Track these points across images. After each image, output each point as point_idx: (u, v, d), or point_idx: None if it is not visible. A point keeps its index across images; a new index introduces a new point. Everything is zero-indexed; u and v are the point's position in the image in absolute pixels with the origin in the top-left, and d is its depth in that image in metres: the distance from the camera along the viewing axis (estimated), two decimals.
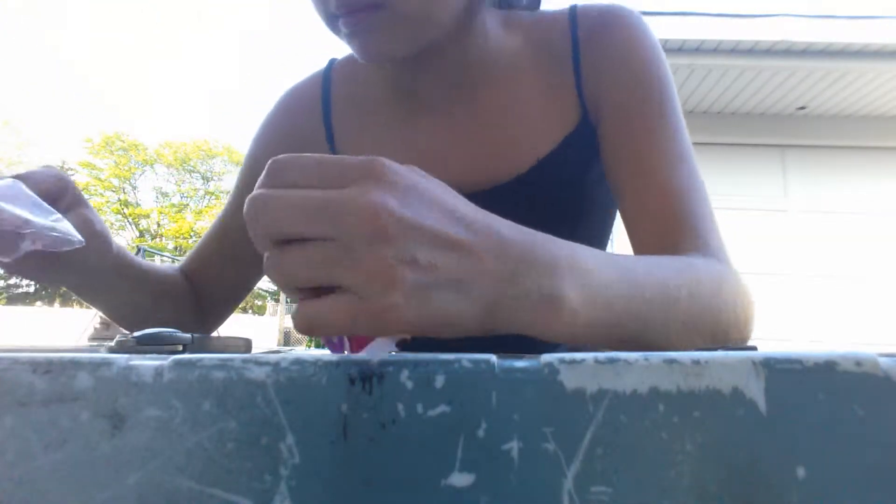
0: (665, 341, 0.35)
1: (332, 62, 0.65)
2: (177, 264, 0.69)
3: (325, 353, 0.25)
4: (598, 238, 0.64)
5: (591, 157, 0.56)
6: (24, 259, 0.43)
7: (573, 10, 0.56)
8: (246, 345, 0.39)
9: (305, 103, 0.64)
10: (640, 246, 0.49)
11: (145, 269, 0.59)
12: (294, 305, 0.29)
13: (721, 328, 0.38)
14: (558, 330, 0.28)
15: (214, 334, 0.55)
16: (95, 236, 0.48)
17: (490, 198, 0.45)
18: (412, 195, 0.24)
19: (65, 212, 0.45)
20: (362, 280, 0.24)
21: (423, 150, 0.58)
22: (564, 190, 0.57)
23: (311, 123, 0.63)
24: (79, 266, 0.49)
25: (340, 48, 0.52)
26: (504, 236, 0.27)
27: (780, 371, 0.24)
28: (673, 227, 0.46)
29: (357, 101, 0.61)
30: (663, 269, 0.36)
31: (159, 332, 0.32)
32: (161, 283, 0.62)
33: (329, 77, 0.64)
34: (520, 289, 0.27)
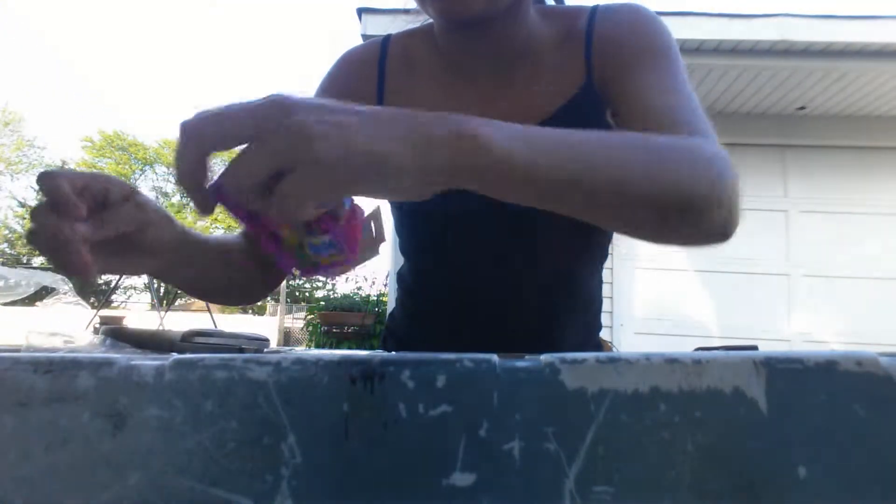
0: (616, 186, 0.38)
1: (388, 36, 0.73)
2: (237, 231, 0.70)
3: (326, 353, 0.25)
4: None
5: (595, 117, 0.64)
6: (105, 251, 0.44)
7: (596, 6, 0.67)
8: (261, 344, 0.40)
9: (364, 65, 0.71)
10: None
11: (212, 241, 0.62)
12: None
13: (684, 181, 0.41)
14: (481, 162, 0.33)
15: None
16: (157, 214, 0.49)
17: None
18: (310, 101, 0.32)
19: (120, 205, 0.46)
20: (288, 144, 0.30)
21: (459, 110, 0.66)
22: None
23: (367, 83, 0.70)
24: (152, 247, 0.49)
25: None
26: (377, 109, 0.33)
27: (781, 371, 0.24)
28: (671, 130, 0.51)
29: (409, 68, 0.70)
30: (627, 136, 0.41)
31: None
32: (229, 251, 0.65)
33: (386, 46, 0.72)
34: (437, 131, 0.32)
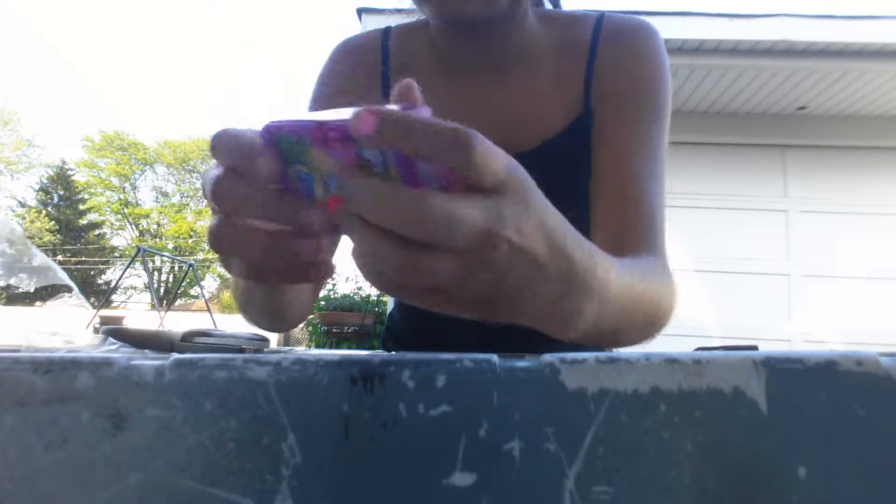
0: (625, 337, 0.43)
1: (387, 28, 0.72)
2: None
3: (326, 353, 0.25)
4: (586, 224, 0.68)
5: (588, 143, 0.62)
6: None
7: (601, 16, 0.65)
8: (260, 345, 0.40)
9: (366, 54, 0.70)
10: (600, 227, 0.57)
11: None
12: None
13: (660, 316, 0.47)
14: (563, 335, 0.34)
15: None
16: None
17: None
18: (532, 221, 0.27)
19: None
20: (457, 288, 0.26)
21: (454, 113, 0.66)
22: (562, 172, 0.63)
23: (371, 73, 0.69)
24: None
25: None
26: (572, 262, 0.30)
27: (781, 371, 0.24)
28: (634, 225, 0.56)
29: (409, 64, 0.69)
30: (636, 278, 0.41)
31: None
32: None
33: (387, 39, 0.71)
34: (556, 304, 0.31)
